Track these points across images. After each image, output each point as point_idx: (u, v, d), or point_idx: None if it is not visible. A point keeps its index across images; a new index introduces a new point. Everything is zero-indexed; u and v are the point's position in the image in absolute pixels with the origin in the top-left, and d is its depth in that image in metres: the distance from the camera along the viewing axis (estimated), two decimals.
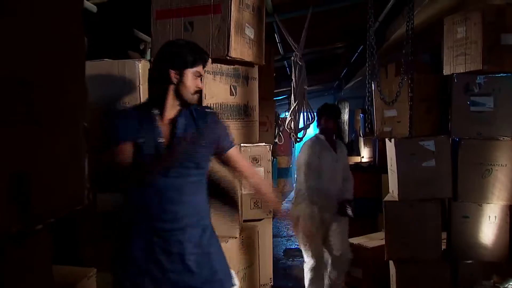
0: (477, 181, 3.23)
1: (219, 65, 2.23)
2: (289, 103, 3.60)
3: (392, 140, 3.36)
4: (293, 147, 9.89)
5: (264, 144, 2.68)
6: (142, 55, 3.27)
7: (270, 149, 2.71)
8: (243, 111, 2.39)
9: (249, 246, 2.45)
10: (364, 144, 7.11)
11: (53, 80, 0.92)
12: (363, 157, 7.09)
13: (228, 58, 2.22)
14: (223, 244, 2.14)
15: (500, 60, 3.10)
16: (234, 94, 2.32)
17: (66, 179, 0.95)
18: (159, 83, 1.81)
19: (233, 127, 2.31)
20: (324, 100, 8.78)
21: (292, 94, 3.50)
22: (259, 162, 2.67)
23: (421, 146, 3.26)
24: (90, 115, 2.11)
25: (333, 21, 4.66)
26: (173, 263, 1.74)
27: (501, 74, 3.21)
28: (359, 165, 5.90)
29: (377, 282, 3.78)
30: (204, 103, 2.14)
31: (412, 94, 3.16)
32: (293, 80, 3.48)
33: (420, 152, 3.26)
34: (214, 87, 2.20)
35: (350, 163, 6.59)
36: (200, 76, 1.81)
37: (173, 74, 1.77)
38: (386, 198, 3.52)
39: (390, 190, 3.59)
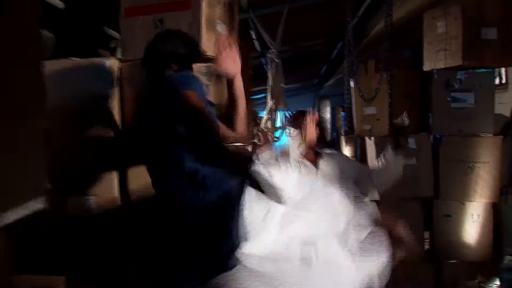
0: (459, 179, 3.28)
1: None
2: (266, 102, 3.62)
3: (372, 138, 3.40)
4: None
5: (239, 144, 2.68)
6: (113, 53, 3.24)
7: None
8: (217, 111, 2.38)
9: None
10: (345, 143, 7.15)
11: None
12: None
13: (202, 57, 2.22)
14: None
15: (480, 55, 3.17)
16: (207, 93, 2.31)
17: (16, 181, 0.92)
18: None
19: None
20: (304, 99, 8.87)
21: (269, 93, 3.52)
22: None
23: (401, 144, 3.29)
24: (56, 115, 2.15)
25: (312, 17, 4.69)
26: None
27: (482, 70, 3.27)
28: None
29: None
30: None
31: (392, 91, 3.20)
32: (269, 78, 3.49)
33: (401, 150, 3.30)
34: None
35: None
36: None
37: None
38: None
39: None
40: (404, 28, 4.18)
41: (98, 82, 2.23)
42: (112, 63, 2.26)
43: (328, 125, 7.65)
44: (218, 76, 2.39)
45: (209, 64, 2.34)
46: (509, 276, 2.38)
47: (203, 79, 2.29)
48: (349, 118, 3.58)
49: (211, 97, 2.34)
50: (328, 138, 6.81)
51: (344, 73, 3.38)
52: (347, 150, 7.17)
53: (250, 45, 4.20)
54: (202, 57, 2.26)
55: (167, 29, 2.04)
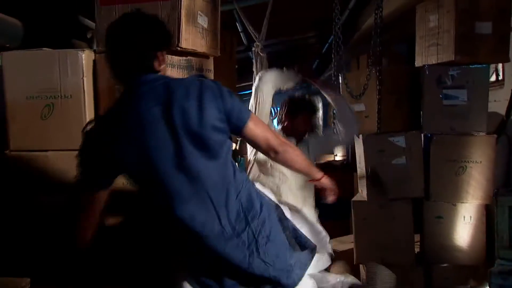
0: (450, 179, 3.31)
1: (169, 56, 2.22)
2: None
3: (360, 136, 3.42)
4: None
5: None
6: (89, 44, 3.24)
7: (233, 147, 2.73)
8: None
9: None
10: None
11: None
12: (336, 155, 7.17)
13: (179, 49, 2.23)
14: None
15: (474, 50, 3.19)
16: None
17: None
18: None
19: None
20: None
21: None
22: None
23: (390, 142, 3.32)
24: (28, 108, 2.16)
25: (301, 9, 4.70)
26: None
27: (476, 65, 3.31)
28: (330, 163, 5.96)
29: None
30: None
31: (381, 87, 3.23)
32: (255, 72, 3.51)
33: (390, 148, 3.32)
34: None
35: (322, 161, 6.67)
36: None
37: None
38: (355, 198, 3.58)
39: (359, 190, 3.65)
40: (398, 21, 4.20)
41: (71, 75, 2.24)
42: (86, 54, 2.26)
43: (320, 123, 7.66)
44: (199, 70, 2.41)
45: (189, 57, 2.35)
46: (499, 281, 2.41)
47: (184, 73, 2.31)
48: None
49: None
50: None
51: (333, 68, 3.39)
52: (339, 149, 7.22)
53: (236, 38, 4.21)
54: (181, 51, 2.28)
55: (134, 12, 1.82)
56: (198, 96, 1.68)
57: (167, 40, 1.83)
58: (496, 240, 2.54)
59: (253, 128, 1.80)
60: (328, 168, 5.69)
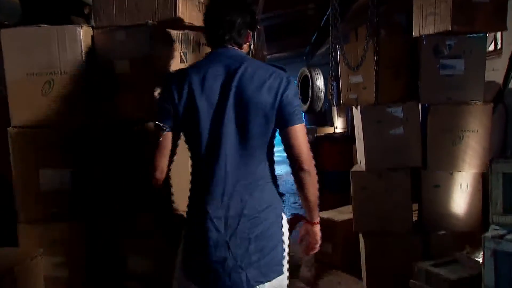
0: (447, 149, 3.38)
1: (168, 30, 2.29)
2: None
3: (358, 107, 3.48)
4: None
5: None
6: (87, 20, 3.28)
7: None
8: None
9: None
10: (338, 113, 7.24)
11: None
12: (336, 127, 7.24)
13: (178, 22, 2.28)
14: None
15: (471, 19, 3.21)
16: (185, 61, 2.38)
17: None
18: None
19: None
20: (297, 68, 8.87)
21: None
22: None
23: (388, 113, 3.38)
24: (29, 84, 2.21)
25: None
26: None
27: (473, 35, 3.34)
28: (330, 136, 6.02)
29: (348, 256, 3.93)
30: (153, 71, 2.20)
31: (378, 58, 3.27)
32: (251, 45, 3.53)
33: (388, 119, 3.39)
34: (164, 55, 2.26)
35: (322, 134, 6.73)
36: None
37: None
38: (354, 169, 3.67)
39: (358, 160, 3.73)
40: None
41: (69, 51, 2.29)
42: (84, 30, 2.31)
43: (322, 95, 7.70)
44: (196, 44, 2.46)
45: (186, 31, 2.40)
46: (491, 245, 2.49)
47: (181, 47, 2.36)
48: (332, 87, 3.65)
49: (188, 64, 2.42)
50: (319, 108, 6.90)
51: (330, 40, 3.42)
52: (339, 122, 7.28)
53: None
54: (179, 24, 2.32)
55: None
56: (263, 81, 1.83)
57: (255, 22, 2.03)
58: (490, 206, 2.62)
59: (297, 133, 1.86)
60: (329, 140, 5.77)
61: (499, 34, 4.12)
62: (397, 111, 3.40)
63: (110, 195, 2.37)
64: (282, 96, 1.83)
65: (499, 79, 3.77)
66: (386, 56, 3.33)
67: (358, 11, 5.03)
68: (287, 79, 1.87)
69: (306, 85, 7.61)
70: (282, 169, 9.72)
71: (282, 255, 1.95)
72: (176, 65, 2.33)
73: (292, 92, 1.86)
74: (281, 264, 1.93)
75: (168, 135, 1.86)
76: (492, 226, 2.60)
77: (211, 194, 1.84)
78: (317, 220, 2.04)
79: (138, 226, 2.35)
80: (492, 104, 3.39)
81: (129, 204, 2.36)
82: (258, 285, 1.86)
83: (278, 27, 6.29)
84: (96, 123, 2.34)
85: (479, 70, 3.34)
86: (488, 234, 2.55)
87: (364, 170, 3.49)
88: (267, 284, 1.88)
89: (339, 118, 7.23)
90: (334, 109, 7.30)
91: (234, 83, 1.80)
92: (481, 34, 3.36)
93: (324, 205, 4.94)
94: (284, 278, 1.96)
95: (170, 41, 2.29)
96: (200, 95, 1.81)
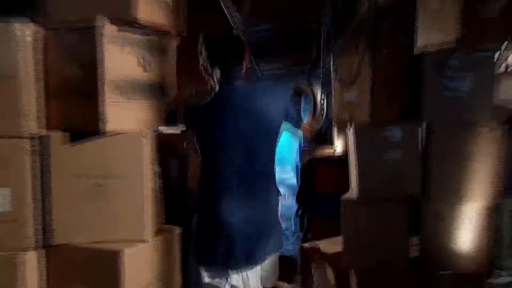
0: (453, 177, 3.10)
1: (127, 33, 2.03)
2: None
3: (351, 127, 3.21)
4: None
5: (179, 130, 2.52)
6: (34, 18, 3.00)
7: None
8: (158, 89, 2.20)
9: (167, 251, 2.28)
10: (338, 133, 6.95)
11: None
12: (336, 148, 6.94)
13: (136, 22, 2.03)
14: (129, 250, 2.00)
15: (479, 34, 2.97)
16: (147, 69, 2.13)
17: None
18: None
19: (143, 108, 2.13)
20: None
21: None
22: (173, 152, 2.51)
23: (385, 135, 3.11)
24: None
25: None
26: None
27: (481, 53, 3.09)
28: (327, 157, 5.74)
29: None
30: (107, 77, 1.94)
31: (374, 74, 3.01)
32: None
33: (384, 141, 3.11)
34: (120, 60, 2.00)
35: (320, 153, 6.43)
36: None
37: None
38: (345, 196, 3.36)
39: (351, 187, 3.44)
40: (398, 6, 3.96)
41: (13, 51, 2.03)
42: (28, 28, 2.05)
43: (323, 113, 7.38)
44: (161, 49, 2.21)
45: (148, 32, 2.15)
46: None
47: (142, 52, 2.12)
48: (322, 106, 3.40)
49: (151, 74, 2.17)
50: (319, 127, 6.59)
51: (322, 54, 3.18)
52: (339, 142, 6.99)
53: (217, 19, 3.96)
54: (138, 25, 2.08)
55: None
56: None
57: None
58: (496, 248, 2.32)
59: None
60: (324, 162, 5.49)
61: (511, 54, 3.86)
62: (395, 132, 3.13)
63: None
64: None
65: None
66: (384, 72, 3.07)
67: (360, 25, 4.79)
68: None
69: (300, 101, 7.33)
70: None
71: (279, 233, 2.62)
72: (134, 72, 2.07)
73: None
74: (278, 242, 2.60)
75: None
76: (496, 272, 2.30)
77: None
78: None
79: None
80: (503, 129, 3.11)
81: None
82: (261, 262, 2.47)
83: (277, 41, 6.05)
84: None
85: (488, 90, 3.07)
86: (493, 281, 2.25)
87: (356, 198, 3.20)
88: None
89: (339, 138, 6.93)
90: (335, 128, 7.01)
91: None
92: (490, 52, 3.10)
93: (317, 233, 4.68)
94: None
95: (128, 45, 2.03)
96: None
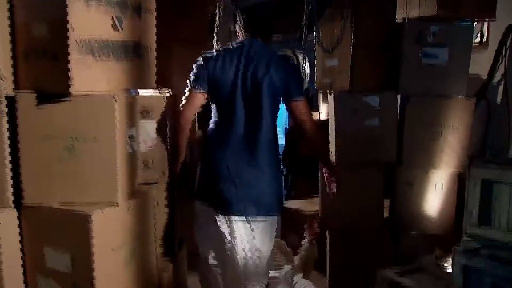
0: (424, 145, 2.90)
1: None
2: (213, 47, 3.10)
3: (332, 94, 2.97)
4: None
5: (159, 93, 2.26)
6: None
7: (165, 99, 2.29)
8: (133, 51, 1.93)
9: (141, 215, 2.06)
10: (323, 99, 6.68)
11: None
12: (321, 113, 6.68)
13: None
14: (98, 213, 1.77)
15: (457, 5, 2.71)
16: (119, 29, 1.85)
17: None
18: None
19: (116, 69, 1.87)
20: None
21: (215, 36, 3.01)
22: (151, 115, 2.25)
23: (364, 102, 2.88)
24: None
25: None
26: None
27: (459, 23, 2.83)
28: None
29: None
30: (71, 38, 1.67)
31: (355, 41, 2.74)
32: (217, 18, 3.00)
33: (363, 108, 2.89)
34: (87, 18, 1.73)
35: None
36: None
37: None
38: None
39: (330, 151, 3.21)
40: None
41: None
42: None
43: (307, 79, 7.10)
44: (135, 9, 1.93)
45: None
46: (463, 260, 2.01)
47: (115, 11, 1.84)
48: (303, 72, 3.14)
49: (124, 34, 1.90)
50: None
51: (304, 19, 2.89)
52: (324, 108, 6.73)
53: None
54: None
55: None
56: (271, 64, 2.24)
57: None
58: (464, 216, 2.12)
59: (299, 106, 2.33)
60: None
61: (485, 26, 3.58)
62: (374, 100, 2.89)
63: None
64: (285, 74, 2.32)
65: (483, 73, 3.24)
66: (365, 39, 2.81)
67: None
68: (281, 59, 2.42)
69: None
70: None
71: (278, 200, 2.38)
72: (106, 32, 1.80)
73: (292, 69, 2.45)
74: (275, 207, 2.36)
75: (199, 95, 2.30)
76: (465, 239, 2.10)
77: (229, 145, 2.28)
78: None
79: None
80: (474, 100, 2.88)
81: None
82: (253, 216, 2.26)
83: (266, 6, 5.69)
84: None
85: (464, 62, 2.85)
86: (460, 247, 2.05)
87: (334, 162, 2.98)
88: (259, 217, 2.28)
89: (324, 103, 6.66)
90: (320, 94, 6.73)
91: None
92: (468, 23, 2.85)
93: (299, 192, 4.46)
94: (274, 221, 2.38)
95: (97, 2, 1.75)
96: None
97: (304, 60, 5.64)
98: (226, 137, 2.29)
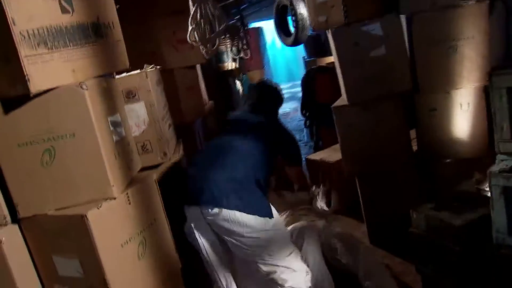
0: (440, 64, 2.65)
1: None
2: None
3: (329, 30, 2.74)
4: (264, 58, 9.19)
5: (138, 71, 2.10)
6: None
7: (149, 76, 2.12)
8: (92, 32, 1.77)
9: (144, 203, 1.94)
10: None
11: None
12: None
13: None
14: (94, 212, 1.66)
15: None
16: (70, 11, 1.69)
17: None
18: None
19: (79, 56, 1.72)
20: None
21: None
22: (136, 96, 2.10)
23: (364, 32, 2.64)
24: None
25: None
26: None
27: None
28: (322, 67, 5.23)
29: (346, 199, 3.28)
30: (15, 30, 1.51)
31: None
32: (190, 25, 2.79)
33: (365, 39, 2.66)
34: (30, 6, 1.57)
35: (323, 64, 5.91)
36: None
37: None
38: (336, 103, 2.94)
39: (342, 93, 3.01)
40: None
41: None
42: None
43: (307, 23, 6.78)
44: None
45: None
46: (500, 182, 1.81)
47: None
48: (294, 12, 2.91)
49: (78, 15, 1.73)
50: (305, 39, 6.06)
51: None
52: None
53: None
54: None
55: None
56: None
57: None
58: (495, 132, 1.90)
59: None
60: (320, 71, 5.03)
61: None
62: (375, 28, 2.66)
63: None
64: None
65: None
66: None
67: None
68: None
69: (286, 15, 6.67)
70: (289, 106, 9.06)
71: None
72: (55, 18, 1.64)
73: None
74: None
75: None
76: (499, 157, 1.90)
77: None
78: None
79: None
80: (487, 2, 2.59)
81: None
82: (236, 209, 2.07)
83: None
84: None
85: None
86: (495, 168, 1.85)
87: (347, 103, 2.78)
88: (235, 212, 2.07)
89: None
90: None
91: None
92: None
93: (326, 141, 4.27)
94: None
95: None
96: None
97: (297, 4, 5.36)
98: None
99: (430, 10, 2.57)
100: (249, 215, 2.08)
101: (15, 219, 1.79)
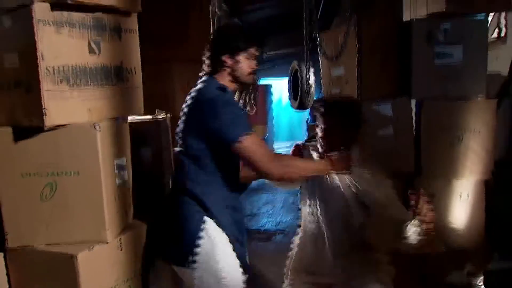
0: (445, 152, 2.70)
1: (66, 12, 1.64)
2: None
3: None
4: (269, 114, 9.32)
5: (150, 116, 2.13)
6: None
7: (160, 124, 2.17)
8: (114, 75, 1.82)
9: (135, 251, 1.92)
10: None
11: None
12: None
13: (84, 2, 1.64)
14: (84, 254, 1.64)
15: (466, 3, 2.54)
16: (97, 53, 1.74)
17: None
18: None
19: (97, 96, 1.75)
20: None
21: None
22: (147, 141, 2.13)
23: (375, 111, 2.71)
24: None
25: None
26: None
27: (471, 17, 2.66)
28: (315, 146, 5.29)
29: None
30: (41, 67, 1.56)
31: (361, 46, 2.59)
32: (211, 35, 2.88)
33: (375, 118, 2.71)
34: (60, 44, 1.62)
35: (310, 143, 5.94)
36: (254, 57, 1.94)
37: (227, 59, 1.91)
38: None
39: None
40: None
41: None
42: None
43: (313, 90, 6.91)
44: (115, 30, 1.82)
45: (98, 14, 1.76)
46: (495, 280, 1.81)
47: (91, 35, 1.73)
48: (300, 86, 3.00)
49: (103, 57, 1.79)
50: (310, 104, 6.17)
51: (305, 26, 2.75)
52: None
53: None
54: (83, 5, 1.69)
55: None
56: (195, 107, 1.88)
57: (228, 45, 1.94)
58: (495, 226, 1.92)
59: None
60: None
61: (502, 19, 3.39)
62: (386, 108, 2.72)
63: None
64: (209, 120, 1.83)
65: (504, 70, 3.05)
66: (371, 44, 2.65)
67: None
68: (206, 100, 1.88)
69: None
70: None
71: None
72: (82, 58, 1.69)
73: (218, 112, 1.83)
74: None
75: None
76: (496, 255, 1.91)
77: None
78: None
79: None
80: (496, 99, 2.68)
81: None
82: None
83: (272, 20, 5.59)
84: None
85: (481, 59, 2.67)
86: (492, 266, 1.86)
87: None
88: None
89: None
90: None
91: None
92: (482, 17, 2.67)
93: None
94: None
95: (69, 26, 1.65)
96: None
97: (307, 72, 5.49)
98: None
99: (442, 99, 2.64)
100: None
101: (1, 247, 1.77)
